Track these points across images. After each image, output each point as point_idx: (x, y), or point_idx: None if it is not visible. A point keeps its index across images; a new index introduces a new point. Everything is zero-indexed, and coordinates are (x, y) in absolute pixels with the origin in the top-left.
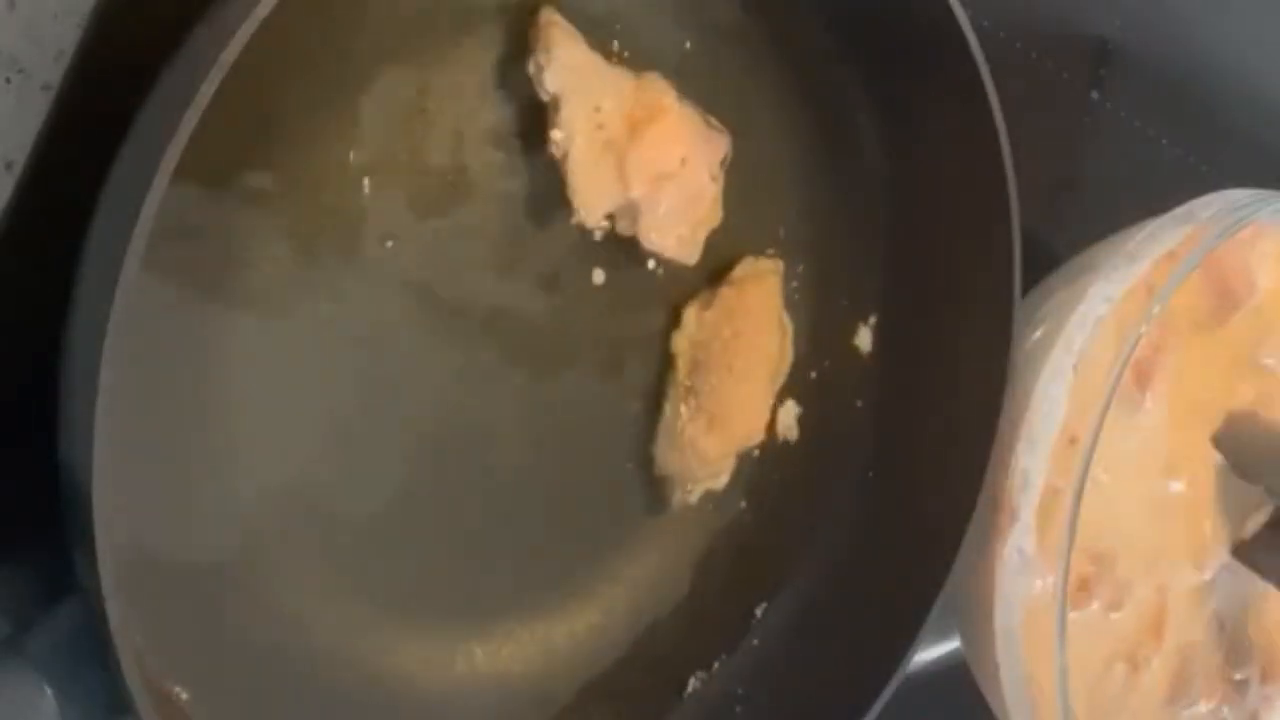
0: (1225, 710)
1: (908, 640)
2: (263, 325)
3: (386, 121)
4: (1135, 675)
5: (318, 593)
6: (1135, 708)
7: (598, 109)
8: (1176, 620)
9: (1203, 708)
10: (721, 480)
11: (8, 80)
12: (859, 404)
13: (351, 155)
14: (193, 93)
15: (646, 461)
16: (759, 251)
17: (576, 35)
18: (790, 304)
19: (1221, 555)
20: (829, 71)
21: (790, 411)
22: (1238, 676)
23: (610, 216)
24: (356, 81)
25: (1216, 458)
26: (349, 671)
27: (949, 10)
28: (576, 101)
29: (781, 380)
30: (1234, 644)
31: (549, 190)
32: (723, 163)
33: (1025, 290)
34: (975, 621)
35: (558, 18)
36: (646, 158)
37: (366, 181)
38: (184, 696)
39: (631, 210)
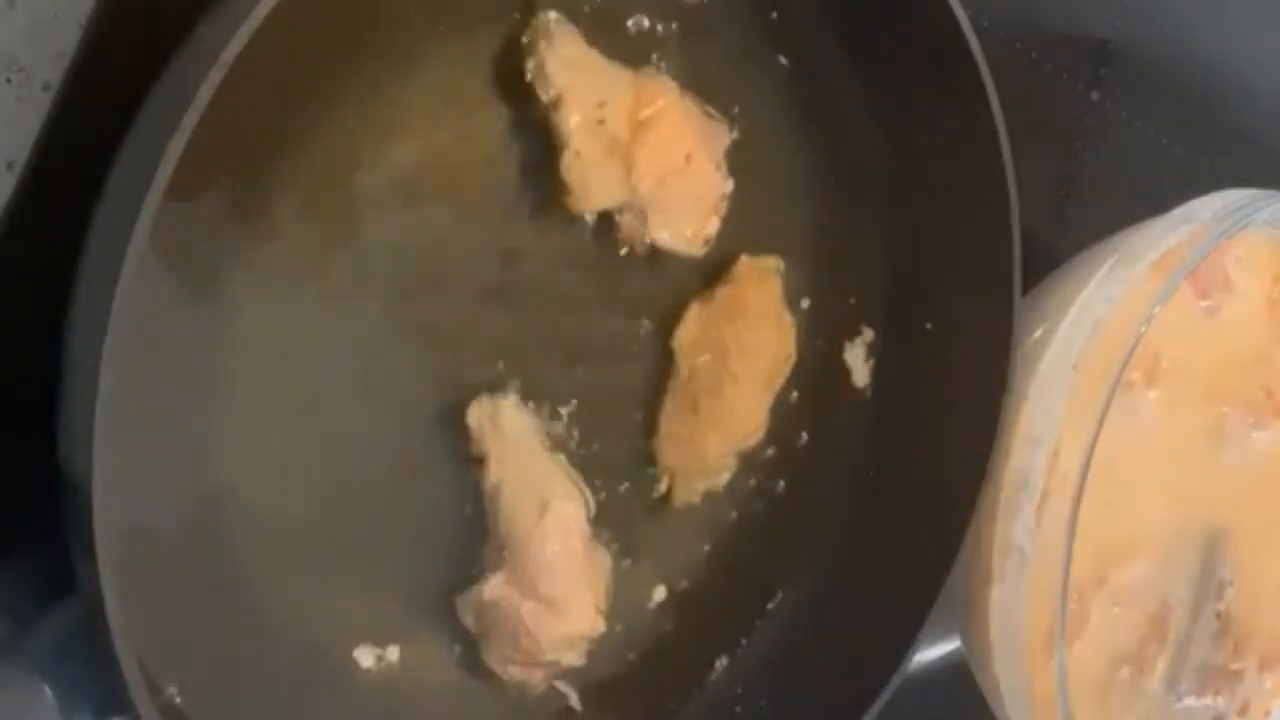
0: (1219, 699)
1: (908, 640)
2: (262, 324)
3: (386, 121)
4: (1141, 676)
5: (318, 593)
6: (1137, 701)
7: (599, 105)
8: (1178, 613)
9: (1203, 697)
10: (722, 479)
11: (8, 80)
12: (860, 403)
13: (351, 155)
14: (193, 93)
15: (647, 460)
16: (759, 250)
17: (575, 33)
18: (791, 303)
19: (1225, 547)
20: (828, 71)
21: (791, 410)
22: (1234, 666)
23: (615, 214)
24: (356, 82)
25: (1218, 453)
26: (349, 673)
27: (949, 10)
28: (577, 98)
29: (783, 379)
30: (1234, 635)
31: (550, 188)
32: (726, 153)
33: (1025, 290)
34: (975, 621)
35: (557, 16)
36: (652, 156)
37: (365, 181)
38: (178, 698)
39: (639, 208)
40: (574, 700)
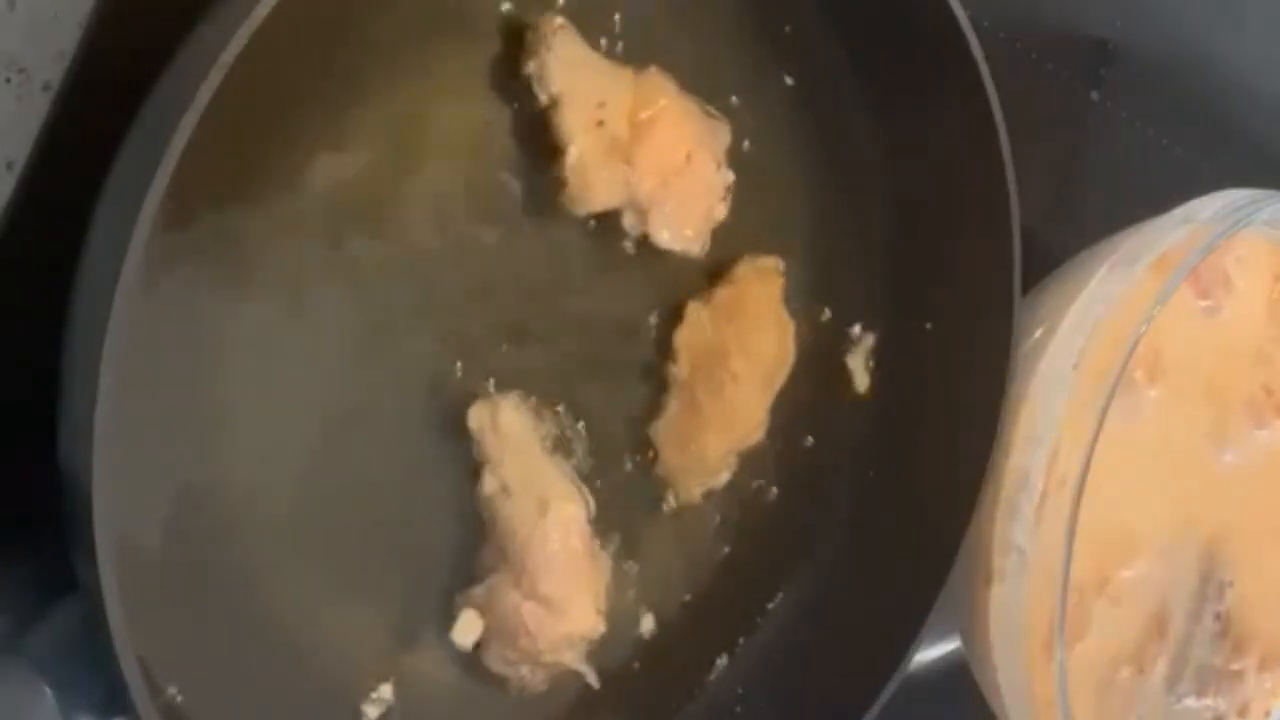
0: (1219, 699)
1: (908, 640)
2: (262, 325)
3: (386, 122)
4: (1141, 676)
5: (317, 592)
6: (1137, 702)
7: (599, 105)
8: (1178, 613)
9: (1203, 698)
10: (722, 478)
11: (8, 80)
12: (860, 403)
13: (351, 155)
14: (193, 93)
15: (647, 460)
16: (759, 250)
17: (576, 34)
18: (791, 302)
19: (1225, 548)
20: (829, 71)
21: (792, 409)
22: (1234, 667)
23: (615, 214)
24: (357, 82)
25: (1219, 453)
26: (345, 673)
27: (949, 10)
28: (577, 100)
29: (782, 379)
30: (1234, 635)
31: (550, 188)
32: (726, 152)
33: (1025, 290)
34: (975, 621)
35: (557, 18)
36: (653, 156)
37: (366, 182)
38: (178, 698)
39: (639, 208)
40: (592, 679)
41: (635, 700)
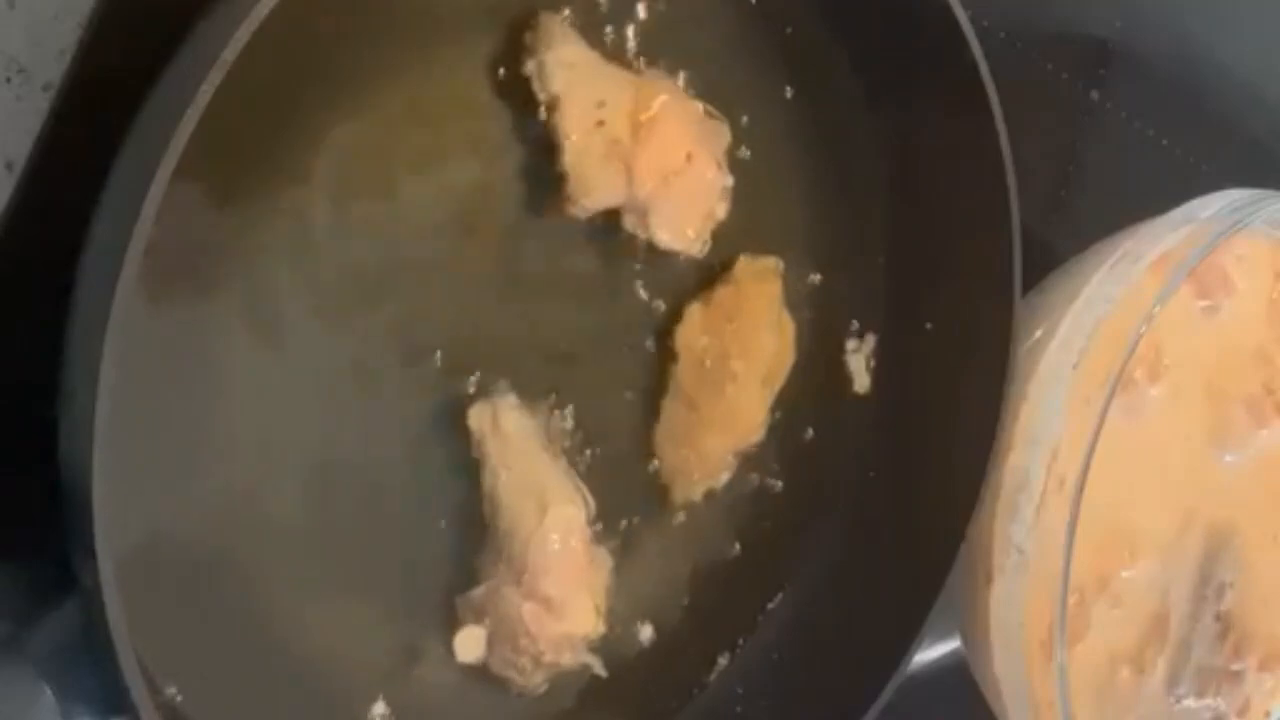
0: (1219, 700)
1: (908, 640)
2: (261, 325)
3: (386, 121)
4: (1141, 676)
5: (317, 593)
6: (1137, 702)
7: (599, 106)
8: (1178, 613)
9: (1203, 698)
10: (722, 479)
11: (8, 80)
12: (860, 403)
13: (351, 154)
14: (193, 93)
15: (647, 460)
16: (759, 250)
17: (575, 34)
18: (792, 303)
19: (1225, 547)
20: (829, 71)
21: (792, 409)
22: (1234, 667)
23: (615, 214)
24: (357, 81)
25: (1219, 453)
26: (346, 673)
27: (949, 10)
28: (576, 100)
29: (782, 379)
30: (1234, 635)
31: (551, 188)
32: (726, 152)
33: (1025, 290)
34: (975, 621)
35: (557, 18)
36: (652, 156)
37: (364, 182)
38: (178, 698)
39: (639, 208)
40: (599, 668)
41: (635, 700)
